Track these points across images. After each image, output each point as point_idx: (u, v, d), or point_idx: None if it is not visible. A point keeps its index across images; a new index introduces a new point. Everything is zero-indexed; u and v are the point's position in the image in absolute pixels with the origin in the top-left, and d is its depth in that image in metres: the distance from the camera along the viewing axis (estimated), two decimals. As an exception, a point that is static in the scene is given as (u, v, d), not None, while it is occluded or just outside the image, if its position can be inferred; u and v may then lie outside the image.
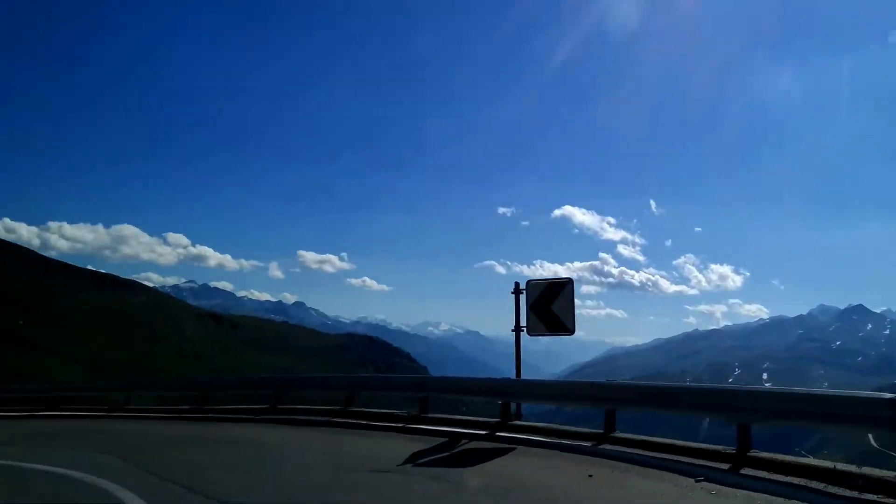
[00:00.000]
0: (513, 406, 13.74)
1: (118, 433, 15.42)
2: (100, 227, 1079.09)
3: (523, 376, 13.99)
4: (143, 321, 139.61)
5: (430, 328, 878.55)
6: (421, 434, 13.11)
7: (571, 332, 13.23)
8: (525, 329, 13.80)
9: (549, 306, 13.31)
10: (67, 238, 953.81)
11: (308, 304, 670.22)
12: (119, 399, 20.53)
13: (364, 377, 17.33)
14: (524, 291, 13.79)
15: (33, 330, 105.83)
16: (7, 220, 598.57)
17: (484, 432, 12.57)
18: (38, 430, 16.72)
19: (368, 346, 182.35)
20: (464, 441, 11.97)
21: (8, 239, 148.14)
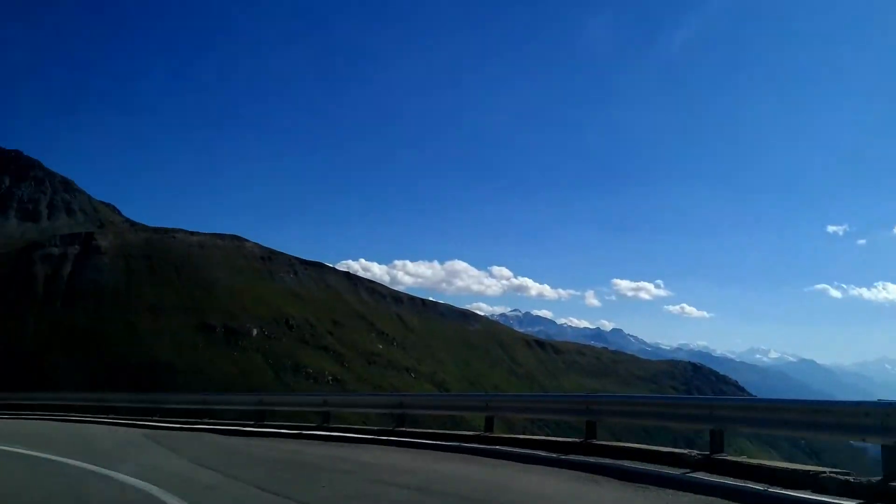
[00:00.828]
0: None
1: (366, 469, 9.39)
2: (435, 264, 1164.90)
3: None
4: (479, 346, 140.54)
5: (758, 355, 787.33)
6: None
7: None
8: None
9: None
10: (410, 274, 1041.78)
11: (626, 331, 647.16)
12: (392, 420, 14.58)
13: (739, 400, 8.82)
14: None
15: (390, 352, 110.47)
16: (363, 261, 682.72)
17: None
18: (281, 454, 11.44)
19: (692, 373, 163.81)
20: None
21: (365, 276, 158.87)
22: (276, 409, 17.35)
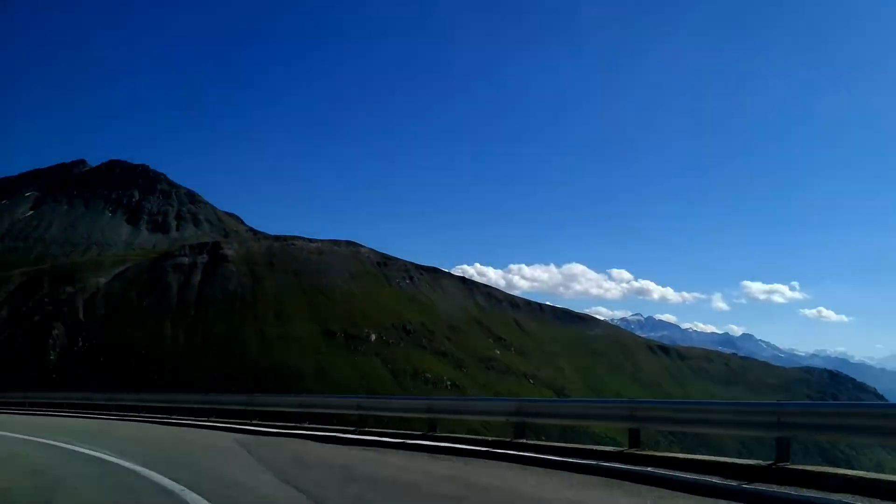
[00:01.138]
0: None
1: (478, 494, 7.14)
2: (552, 267, 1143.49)
3: None
4: (599, 352, 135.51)
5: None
6: None
7: None
8: None
9: None
10: (526, 278, 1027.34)
11: (757, 337, 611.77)
12: (511, 428, 11.95)
13: None
14: None
15: (507, 357, 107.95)
16: (478, 265, 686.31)
17: None
18: (378, 469, 9.36)
19: (828, 381, 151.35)
20: None
21: (480, 280, 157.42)
22: (377, 414, 15.32)
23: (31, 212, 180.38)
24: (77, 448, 12.42)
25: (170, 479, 8.88)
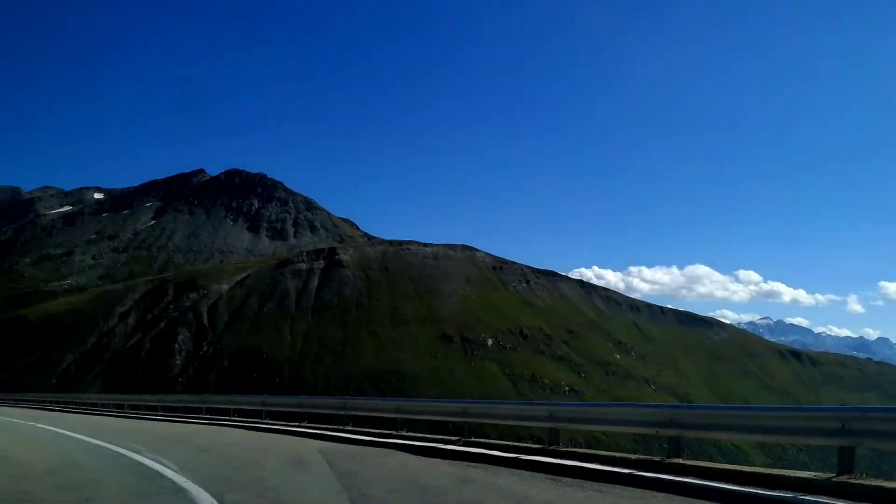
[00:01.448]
0: None
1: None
2: (674, 269, 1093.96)
3: None
4: (725, 356, 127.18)
5: None
6: None
7: None
8: None
9: None
10: (647, 280, 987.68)
11: (893, 340, 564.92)
12: (664, 447, 8.88)
13: None
14: None
15: (627, 361, 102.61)
16: (596, 268, 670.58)
17: None
18: (481, 495, 6.90)
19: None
20: None
21: (599, 283, 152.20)
22: (485, 421, 12.78)
23: (152, 221, 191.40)
24: (140, 458, 10.75)
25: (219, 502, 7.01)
